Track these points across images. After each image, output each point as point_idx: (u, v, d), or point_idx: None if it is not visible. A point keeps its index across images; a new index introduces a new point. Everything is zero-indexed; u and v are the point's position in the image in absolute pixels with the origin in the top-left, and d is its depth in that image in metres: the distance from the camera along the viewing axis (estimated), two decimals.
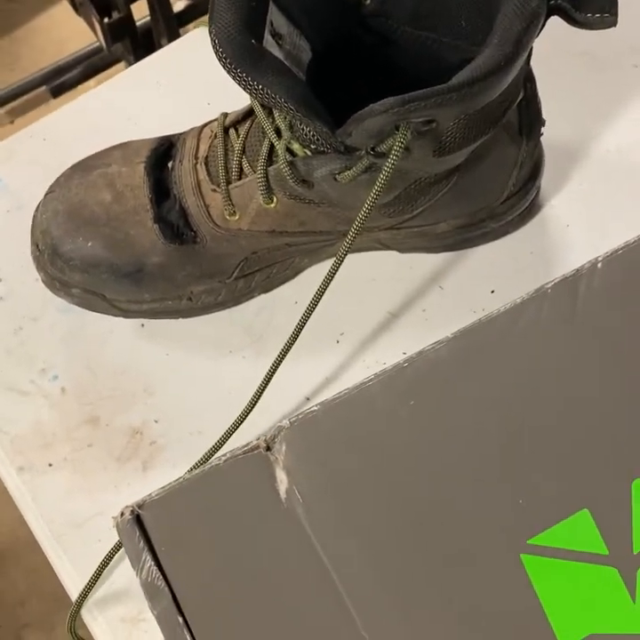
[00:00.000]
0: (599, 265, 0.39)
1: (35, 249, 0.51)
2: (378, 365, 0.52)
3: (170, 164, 0.50)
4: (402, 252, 0.54)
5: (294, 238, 0.49)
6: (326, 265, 0.55)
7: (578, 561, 0.34)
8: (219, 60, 0.39)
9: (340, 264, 0.43)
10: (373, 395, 0.38)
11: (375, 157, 0.42)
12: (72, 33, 1.52)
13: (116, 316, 0.52)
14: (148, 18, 1.13)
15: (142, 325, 0.54)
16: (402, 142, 0.39)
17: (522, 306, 0.39)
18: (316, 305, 0.44)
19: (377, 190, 0.40)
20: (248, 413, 0.47)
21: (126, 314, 0.52)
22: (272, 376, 0.46)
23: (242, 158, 0.47)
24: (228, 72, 0.39)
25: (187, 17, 1.20)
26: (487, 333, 0.39)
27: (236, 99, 0.60)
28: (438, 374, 0.38)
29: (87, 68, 1.47)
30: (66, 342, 0.54)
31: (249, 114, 0.48)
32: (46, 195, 0.50)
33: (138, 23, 1.11)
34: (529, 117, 0.48)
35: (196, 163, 0.48)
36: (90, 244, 0.48)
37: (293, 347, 0.50)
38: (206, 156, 0.48)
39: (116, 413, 0.52)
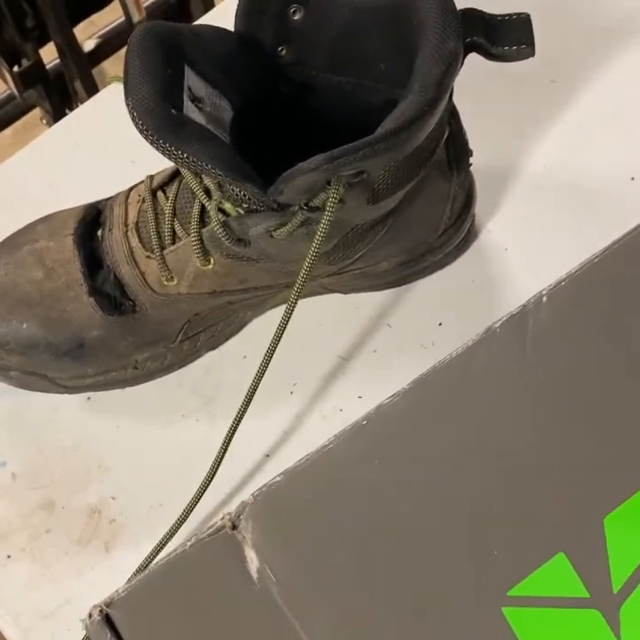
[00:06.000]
0: (544, 299, 0.39)
1: None
2: (335, 412, 0.51)
3: (99, 233, 0.49)
4: (346, 293, 0.54)
5: (236, 296, 0.48)
6: (271, 315, 0.54)
7: (560, 607, 0.34)
8: (140, 133, 0.38)
9: (286, 321, 0.42)
10: (336, 457, 0.37)
11: (309, 212, 0.41)
12: None
13: (59, 393, 0.50)
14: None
15: (88, 399, 0.52)
16: (335, 197, 0.39)
17: (473, 348, 0.38)
18: (267, 364, 0.43)
19: (316, 245, 0.40)
20: (207, 485, 0.45)
21: (70, 390, 0.50)
22: (229, 442, 0.45)
23: (173, 221, 0.46)
24: (151, 144, 0.38)
25: (98, 56, 1.18)
26: (441, 381, 0.38)
27: (159, 154, 0.59)
28: (398, 429, 0.37)
29: (2, 117, 1.44)
30: (10, 425, 0.52)
31: (176, 174, 0.47)
32: None
33: (49, 66, 1.09)
34: (456, 151, 0.47)
35: (127, 230, 0.47)
36: (25, 326, 0.47)
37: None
38: (137, 222, 0.47)
39: (72, 494, 0.50)
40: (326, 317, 0.54)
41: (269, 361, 0.43)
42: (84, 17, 1.10)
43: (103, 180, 0.59)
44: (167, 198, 0.46)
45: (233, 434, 0.45)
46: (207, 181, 0.44)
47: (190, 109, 0.40)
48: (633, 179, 0.56)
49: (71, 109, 1.18)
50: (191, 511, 0.45)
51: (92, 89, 1.13)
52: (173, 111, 0.38)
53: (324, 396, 0.52)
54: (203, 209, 0.45)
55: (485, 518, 0.35)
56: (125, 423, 0.52)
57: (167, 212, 0.46)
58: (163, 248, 0.46)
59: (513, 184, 0.57)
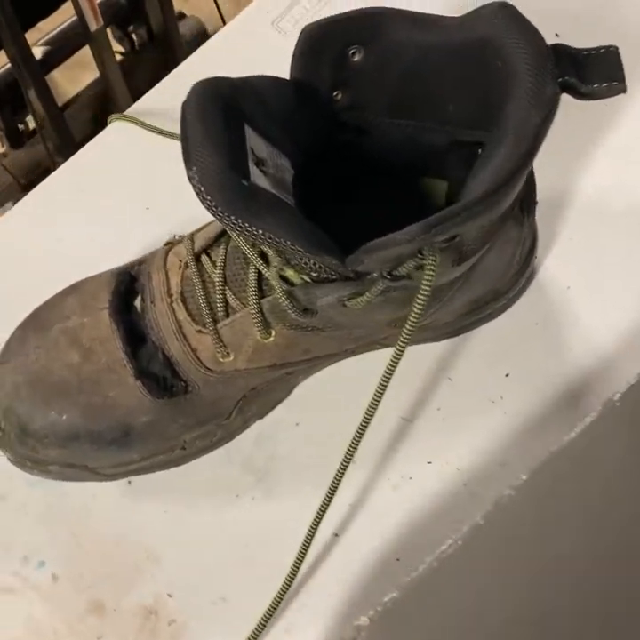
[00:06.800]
0: None
1: None
2: (404, 481, 0.47)
3: (137, 303, 0.44)
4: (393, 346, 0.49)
5: (297, 367, 0.43)
6: (319, 376, 0.49)
7: None
8: (207, 209, 0.33)
9: (375, 407, 0.38)
10: (457, 564, 0.33)
11: (392, 281, 0.37)
12: None
13: (99, 481, 0.45)
14: (7, 67, 1.05)
15: (129, 483, 0.47)
16: (432, 268, 0.34)
17: (593, 426, 0.35)
18: (356, 446, 0.39)
19: (414, 320, 0.36)
20: (288, 587, 0.41)
21: (112, 477, 0.45)
22: (312, 538, 0.41)
23: (225, 290, 0.41)
24: (220, 220, 0.33)
25: (50, 63, 1.12)
26: (562, 465, 0.34)
27: (176, 198, 0.54)
28: (521, 525, 0.33)
29: None
30: (45, 520, 0.47)
31: (220, 235, 0.42)
32: None
33: None
34: (528, 194, 0.44)
35: (171, 301, 0.42)
36: (65, 417, 0.42)
37: (306, 477, 0.45)
38: (182, 292, 0.42)
39: (122, 594, 0.45)
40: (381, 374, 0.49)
41: (357, 445, 0.39)
42: (31, 24, 1.04)
43: (117, 232, 0.54)
44: (214, 264, 0.42)
45: (316, 529, 0.40)
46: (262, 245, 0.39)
47: (256, 175, 0.35)
48: None
49: (23, 123, 1.13)
50: (272, 614, 0.41)
51: (47, 98, 1.07)
52: (244, 182, 0.33)
53: (390, 463, 0.47)
54: (259, 276, 0.40)
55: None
56: (173, 508, 0.47)
57: (217, 280, 0.41)
58: (216, 321, 0.41)
59: (565, 214, 0.53)
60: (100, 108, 1.16)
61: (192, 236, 0.44)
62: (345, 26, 0.38)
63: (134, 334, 0.43)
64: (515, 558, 0.32)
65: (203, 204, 0.33)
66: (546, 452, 0.34)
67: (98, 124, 1.15)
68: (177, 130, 0.52)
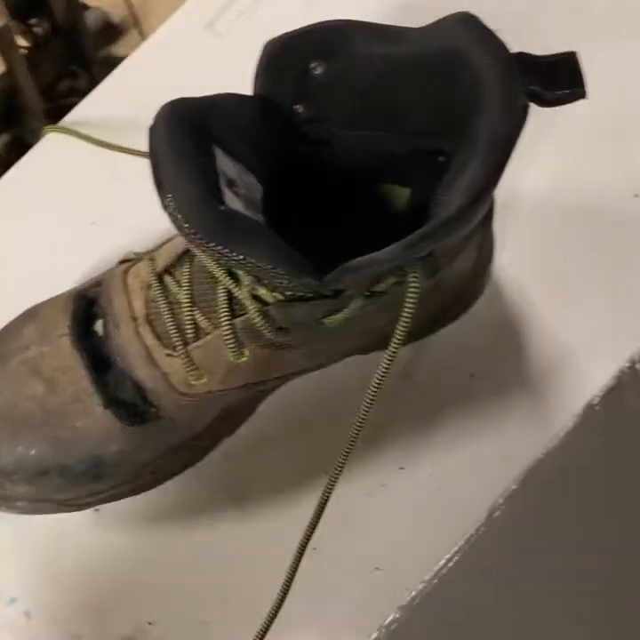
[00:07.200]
0: (638, 366, 0.37)
1: None
2: (378, 489, 0.47)
3: (98, 328, 0.42)
4: (363, 354, 0.49)
5: (270, 384, 0.43)
6: (286, 388, 0.49)
7: None
8: (185, 237, 0.32)
9: (359, 432, 0.38)
10: (456, 579, 0.33)
11: (370, 297, 0.36)
12: None
13: (68, 512, 0.44)
14: None
15: (96, 510, 0.46)
16: (416, 286, 0.34)
17: (574, 433, 0.35)
18: (341, 469, 0.39)
19: (398, 340, 0.36)
20: (274, 616, 0.40)
21: (80, 508, 0.44)
22: (299, 561, 0.40)
23: (193, 312, 0.40)
24: (197, 247, 0.33)
25: None
26: (547, 472, 0.35)
27: (121, 211, 0.53)
28: (514, 535, 0.34)
29: None
30: (11, 553, 0.45)
31: (183, 253, 0.41)
32: None
33: None
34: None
35: (137, 325, 0.41)
36: (33, 452, 0.40)
37: (280, 492, 0.45)
38: (147, 314, 0.41)
39: (100, 626, 0.44)
40: (348, 382, 0.49)
41: (344, 465, 0.39)
42: None
43: (63, 250, 0.53)
44: (179, 283, 0.40)
45: (303, 550, 0.40)
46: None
47: (229, 198, 0.34)
48: (636, 196, 0.54)
49: None
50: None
51: None
52: (221, 207, 0.32)
53: (362, 471, 0.47)
54: (229, 295, 0.39)
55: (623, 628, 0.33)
56: (144, 533, 0.46)
57: (183, 301, 0.40)
58: (186, 343, 0.40)
59: (517, 211, 0.54)
60: (7, 105, 1.12)
61: (151, 255, 0.42)
62: (306, 41, 0.37)
63: (97, 360, 0.41)
64: (513, 570, 0.33)
65: (179, 232, 0.32)
66: (521, 453, 0.35)
67: (5, 122, 1.11)
68: (115, 139, 0.51)
